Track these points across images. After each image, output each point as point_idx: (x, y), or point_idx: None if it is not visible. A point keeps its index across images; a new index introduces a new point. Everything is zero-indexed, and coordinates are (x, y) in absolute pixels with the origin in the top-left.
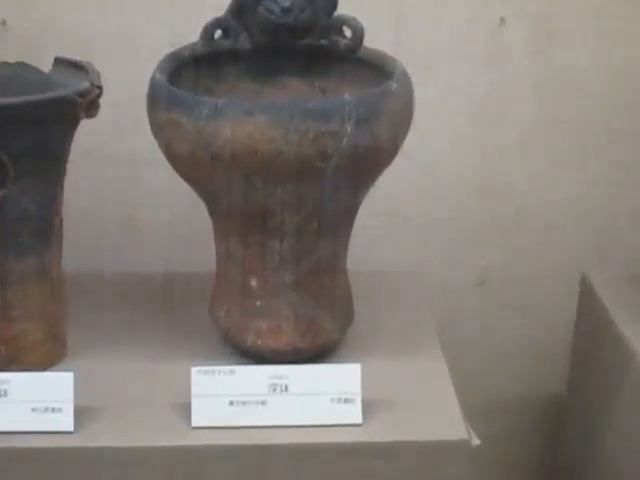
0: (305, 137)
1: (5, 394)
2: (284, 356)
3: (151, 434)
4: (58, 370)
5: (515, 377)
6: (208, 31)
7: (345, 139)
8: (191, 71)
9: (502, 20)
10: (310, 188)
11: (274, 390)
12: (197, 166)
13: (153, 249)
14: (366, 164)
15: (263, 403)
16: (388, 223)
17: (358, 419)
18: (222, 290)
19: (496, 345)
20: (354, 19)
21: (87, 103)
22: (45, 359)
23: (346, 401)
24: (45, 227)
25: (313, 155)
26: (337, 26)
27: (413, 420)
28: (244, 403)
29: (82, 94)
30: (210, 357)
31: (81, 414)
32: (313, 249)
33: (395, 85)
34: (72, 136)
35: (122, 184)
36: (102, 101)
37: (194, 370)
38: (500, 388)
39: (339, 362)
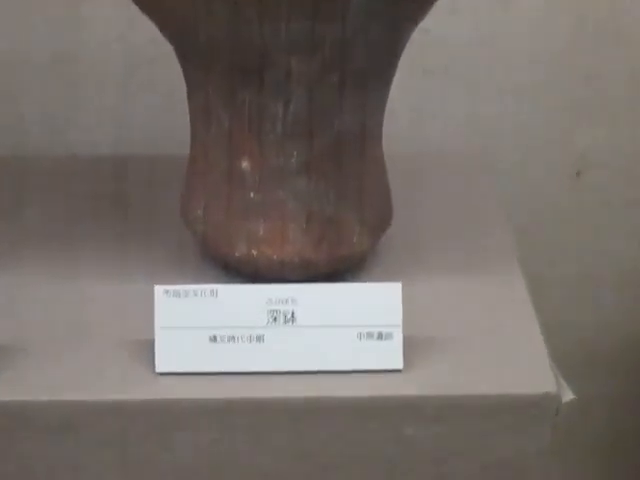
0: None
1: None
2: (290, 272)
3: (97, 383)
4: None
5: (623, 312)
6: None
7: None
8: None
9: None
10: (328, 23)
11: (275, 320)
12: None
13: (100, 120)
14: None
15: (259, 339)
16: (442, 84)
17: (397, 363)
18: (199, 179)
19: (597, 262)
20: None
21: None
22: None
23: (380, 337)
24: None
25: None
26: None
27: (476, 365)
28: (231, 339)
29: None
30: (183, 273)
31: None
32: (333, 116)
33: None
34: None
35: (54, 27)
36: None
37: (159, 290)
38: (602, 325)
39: (370, 281)
